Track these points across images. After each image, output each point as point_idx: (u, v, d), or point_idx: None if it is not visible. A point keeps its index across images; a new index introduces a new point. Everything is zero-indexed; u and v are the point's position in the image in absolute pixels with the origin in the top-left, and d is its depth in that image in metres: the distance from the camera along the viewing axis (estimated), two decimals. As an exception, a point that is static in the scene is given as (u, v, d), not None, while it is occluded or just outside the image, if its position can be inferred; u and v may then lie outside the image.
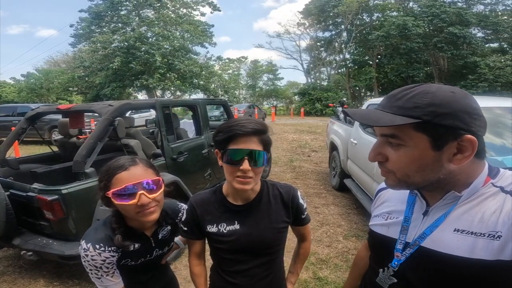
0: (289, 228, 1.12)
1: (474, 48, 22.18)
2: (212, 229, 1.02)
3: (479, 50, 22.40)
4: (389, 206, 0.82)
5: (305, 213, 1.12)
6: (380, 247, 0.80)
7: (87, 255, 0.94)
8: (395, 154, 0.65)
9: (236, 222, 1.02)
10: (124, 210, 0.96)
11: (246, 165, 0.89)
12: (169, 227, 1.13)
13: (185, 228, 1.07)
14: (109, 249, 0.95)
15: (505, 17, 23.12)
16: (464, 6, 22.83)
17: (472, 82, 20.13)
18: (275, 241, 1.04)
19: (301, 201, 1.09)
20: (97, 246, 0.94)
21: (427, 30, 22.61)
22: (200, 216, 1.04)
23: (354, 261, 1.04)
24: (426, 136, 0.60)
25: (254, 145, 0.91)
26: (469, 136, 0.59)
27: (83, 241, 0.96)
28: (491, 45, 24.71)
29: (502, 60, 20.01)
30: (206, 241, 1.10)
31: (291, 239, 1.26)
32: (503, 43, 23.98)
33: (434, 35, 22.24)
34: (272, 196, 1.06)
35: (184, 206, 1.19)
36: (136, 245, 1.02)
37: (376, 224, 0.83)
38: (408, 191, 0.76)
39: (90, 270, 0.96)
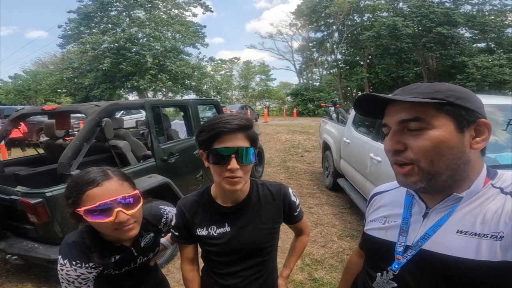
0: (285, 229, 1.08)
1: (462, 48, 22.58)
2: (202, 232, 0.98)
3: (466, 50, 22.81)
4: (386, 210, 0.79)
5: (298, 210, 1.08)
6: (377, 251, 0.77)
7: (62, 270, 0.89)
8: (417, 141, 0.62)
9: (226, 224, 0.98)
10: (99, 227, 0.88)
11: (234, 163, 0.84)
12: (151, 234, 1.07)
13: (176, 233, 1.03)
14: (86, 265, 0.90)
15: (492, 17, 23.56)
16: (452, 6, 23.21)
17: (460, 82, 20.43)
18: (266, 242, 1.01)
19: (293, 198, 1.06)
20: (74, 263, 0.89)
21: (416, 30, 22.92)
22: (189, 219, 1.00)
23: (346, 268, 1.02)
24: (450, 117, 0.61)
25: (240, 141, 0.86)
26: (484, 119, 0.61)
27: (60, 256, 0.90)
28: (479, 45, 25.18)
29: (490, 60, 20.37)
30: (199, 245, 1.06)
31: (285, 240, 1.22)
32: (490, 43, 24.47)
33: (423, 35, 22.55)
34: (262, 196, 1.02)
35: (167, 210, 1.14)
36: (117, 257, 0.96)
37: (373, 228, 0.80)
38: (405, 194, 0.74)
39: (62, 282, 0.92)
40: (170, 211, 1.14)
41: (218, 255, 0.99)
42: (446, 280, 0.61)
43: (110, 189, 0.85)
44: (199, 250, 1.08)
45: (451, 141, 0.60)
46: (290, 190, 1.07)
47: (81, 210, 0.83)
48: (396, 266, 0.68)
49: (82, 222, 0.88)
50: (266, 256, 1.03)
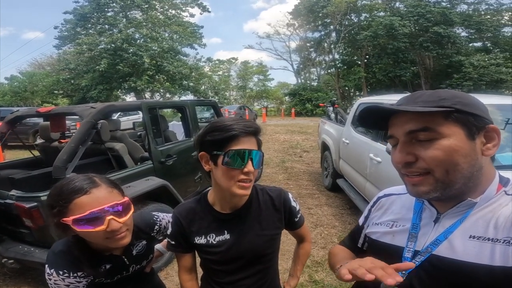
0: (284, 231, 1.05)
1: (459, 48, 22.66)
2: (200, 240, 0.94)
3: (463, 49, 22.89)
4: (394, 214, 0.77)
5: (298, 215, 1.05)
6: (383, 256, 0.74)
7: (50, 279, 0.86)
8: (428, 151, 0.60)
9: (225, 231, 0.94)
10: (89, 237, 0.84)
11: (250, 166, 0.82)
12: (144, 242, 1.03)
13: (172, 242, 0.99)
14: (74, 275, 0.86)
15: (488, 17, 23.67)
16: (448, 5, 23.30)
17: (457, 81, 20.54)
18: (267, 249, 0.98)
19: (293, 204, 1.03)
20: (61, 272, 0.85)
21: (413, 29, 23.01)
22: (186, 227, 0.96)
23: (337, 250, 0.93)
24: (459, 125, 0.59)
25: (253, 145, 0.85)
26: (493, 125, 0.60)
27: (47, 266, 0.87)
28: (475, 44, 25.29)
29: (486, 59, 20.45)
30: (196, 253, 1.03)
31: (285, 242, 1.20)
32: (486, 42, 24.59)
33: (420, 34, 22.63)
34: (262, 202, 0.99)
35: (161, 217, 1.10)
36: (107, 266, 0.92)
37: (378, 232, 0.77)
38: (414, 199, 0.72)
39: None
40: (163, 217, 1.11)
41: (218, 264, 0.96)
42: (458, 286, 0.59)
43: (100, 196, 0.81)
44: (197, 258, 1.05)
45: (463, 149, 0.58)
46: (290, 195, 1.04)
47: (69, 219, 0.78)
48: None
49: (69, 232, 0.83)
50: (267, 263, 1.00)
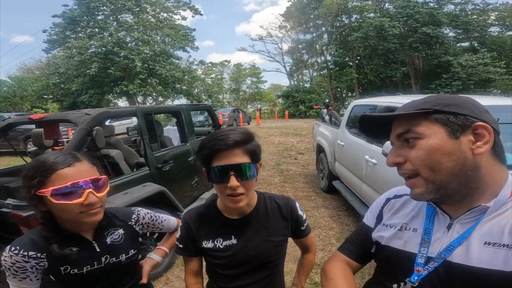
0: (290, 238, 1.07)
1: (447, 48, 23.08)
2: (208, 244, 0.96)
3: (451, 49, 23.32)
4: (404, 217, 0.77)
5: (305, 224, 1.07)
6: (394, 261, 0.74)
7: (0, 255, 0.87)
8: (413, 151, 0.64)
9: (232, 236, 0.96)
10: (64, 210, 0.83)
11: (233, 181, 0.82)
12: (121, 231, 1.00)
13: (181, 245, 1.01)
14: (24, 253, 0.85)
15: (475, 16, 24.19)
16: (436, 6, 23.73)
17: (446, 81, 20.90)
18: (274, 255, 0.99)
19: (300, 212, 1.05)
20: (13, 248, 0.85)
21: (403, 30, 23.35)
22: (195, 231, 0.98)
23: (342, 274, 0.85)
24: (440, 125, 0.62)
25: (238, 158, 0.84)
26: (481, 122, 0.60)
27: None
28: (462, 44, 25.80)
29: (474, 59, 20.87)
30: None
31: (288, 248, 1.20)
32: (473, 42, 25.10)
33: (409, 35, 22.99)
34: (269, 209, 1.00)
35: (139, 209, 1.11)
36: (74, 249, 0.88)
37: (385, 236, 0.77)
38: (426, 202, 0.72)
39: (4, 269, 0.88)
40: (142, 209, 1.12)
41: (224, 268, 0.97)
42: None
43: (82, 170, 0.84)
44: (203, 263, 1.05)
45: (444, 147, 0.60)
46: (297, 204, 1.06)
47: (48, 190, 0.79)
48: (416, 277, 0.66)
49: (40, 206, 0.84)
50: (273, 269, 1.01)
